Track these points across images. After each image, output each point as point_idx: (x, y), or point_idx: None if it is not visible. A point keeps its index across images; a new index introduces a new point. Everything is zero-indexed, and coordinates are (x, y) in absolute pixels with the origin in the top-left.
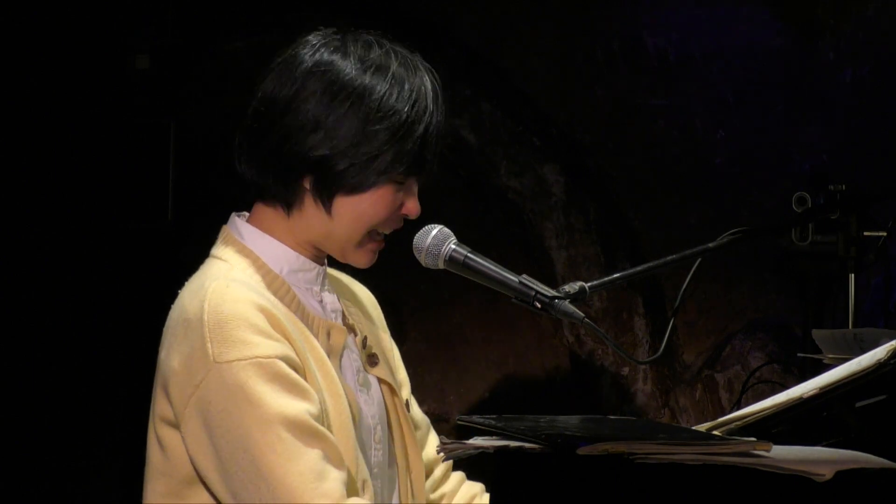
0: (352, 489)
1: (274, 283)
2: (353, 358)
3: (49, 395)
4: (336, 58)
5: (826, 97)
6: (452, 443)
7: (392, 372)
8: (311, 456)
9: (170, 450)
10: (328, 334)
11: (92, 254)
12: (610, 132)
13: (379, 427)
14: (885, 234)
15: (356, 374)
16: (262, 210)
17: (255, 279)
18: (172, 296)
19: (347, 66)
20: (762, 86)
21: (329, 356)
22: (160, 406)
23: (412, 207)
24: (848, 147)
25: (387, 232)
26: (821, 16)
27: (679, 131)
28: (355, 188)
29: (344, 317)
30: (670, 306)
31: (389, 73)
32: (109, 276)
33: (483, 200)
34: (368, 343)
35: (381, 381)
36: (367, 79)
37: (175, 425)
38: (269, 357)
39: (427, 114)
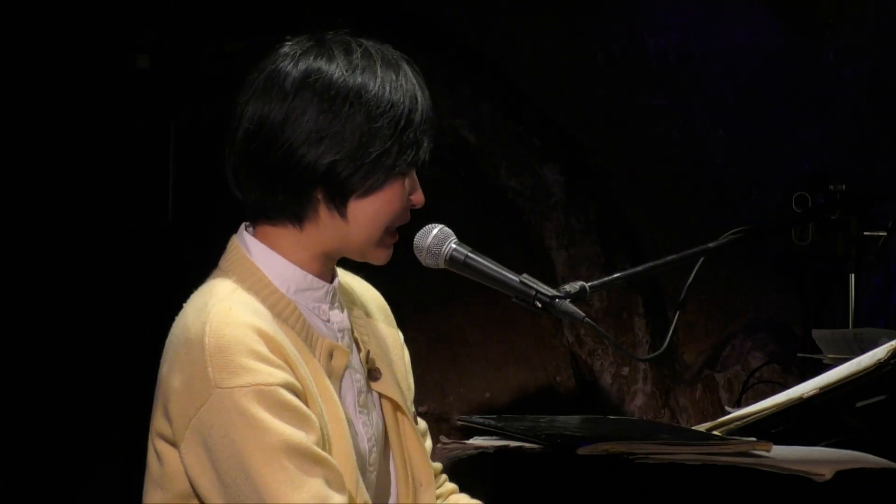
0: None
1: (279, 303)
2: (355, 378)
3: (49, 395)
4: (322, 63)
5: (826, 97)
6: (452, 443)
7: (397, 384)
8: (314, 483)
9: (167, 465)
10: (331, 355)
11: (92, 254)
12: (610, 132)
13: (375, 449)
14: (885, 233)
15: (357, 396)
16: (268, 228)
17: (260, 299)
18: (172, 295)
19: (336, 70)
20: (762, 86)
21: (330, 378)
22: (159, 422)
23: (419, 198)
24: (848, 147)
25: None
26: (821, 16)
27: (679, 131)
28: (369, 189)
29: (352, 332)
30: (670, 306)
31: (377, 69)
32: (109, 276)
33: (483, 200)
34: (371, 357)
35: (382, 396)
36: (358, 78)
37: (173, 443)
38: (270, 385)
39: (419, 101)
